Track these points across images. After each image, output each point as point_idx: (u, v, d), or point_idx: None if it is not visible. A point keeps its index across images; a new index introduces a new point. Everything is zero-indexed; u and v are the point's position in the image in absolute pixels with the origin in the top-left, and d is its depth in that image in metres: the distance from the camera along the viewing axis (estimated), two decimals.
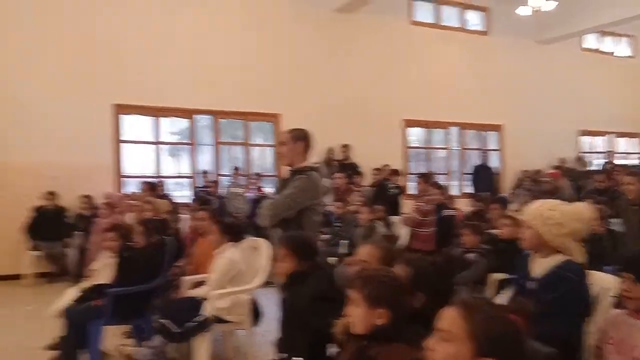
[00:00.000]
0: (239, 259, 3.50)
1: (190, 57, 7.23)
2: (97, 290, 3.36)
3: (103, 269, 3.68)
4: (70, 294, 3.45)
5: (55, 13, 6.50)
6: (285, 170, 3.06)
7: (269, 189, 7.94)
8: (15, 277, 5.92)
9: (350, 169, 7.30)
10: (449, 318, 1.18)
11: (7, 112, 6.19)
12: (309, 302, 2.01)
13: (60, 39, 6.50)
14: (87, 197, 6.34)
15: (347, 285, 1.61)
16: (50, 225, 6.08)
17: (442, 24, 9.53)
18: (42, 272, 6.09)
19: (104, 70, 6.69)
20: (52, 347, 3.39)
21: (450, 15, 9.68)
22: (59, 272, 6.08)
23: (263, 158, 8.41)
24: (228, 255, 3.44)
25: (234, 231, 3.70)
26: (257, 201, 7.44)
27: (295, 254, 2.18)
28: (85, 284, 3.63)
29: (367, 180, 7.65)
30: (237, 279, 3.44)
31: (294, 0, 7.98)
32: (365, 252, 2.09)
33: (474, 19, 9.95)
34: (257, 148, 8.27)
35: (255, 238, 3.75)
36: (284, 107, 7.86)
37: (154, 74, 6.95)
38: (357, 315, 1.53)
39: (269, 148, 8.23)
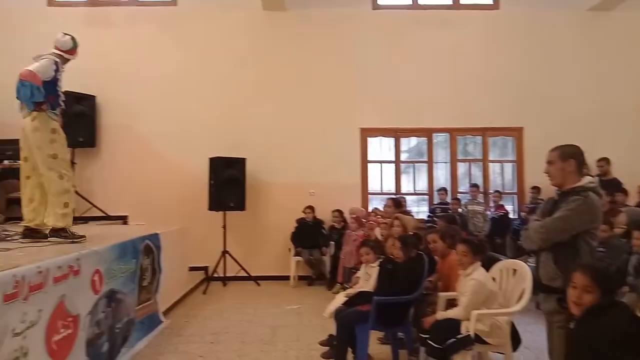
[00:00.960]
0: (489, 281, 3.43)
1: (429, 78, 7.47)
2: (362, 297, 3.73)
3: (365, 278, 4.07)
4: (339, 298, 3.92)
5: (317, 50, 7.53)
6: (550, 191, 2.89)
7: (509, 207, 7.57)
8: (284, 278, 7.01)
9: (611, 186, 6.38)
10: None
11: (278, 142, 7.41)
12: (607, 341, 1.85)
13: (318, 72, 7.50)
14: (338, 211, 7.08)
15: None
16: (309, 235, 7.01)
17: None
18: (304, 275, 7.06)
19: (352, 98, 7.44)
20: (325, 344, 3.90)
21: None
22: (316, 277, 6.97)
23: (502, 174, 8.03)
24: (477, 277, 3.38)
25: (484, 251, 3.64)
26: (497, 220, 7.20)
27: (599, 286, 2.02)
28: (351, 290, 4.06)
29: (633, 199, 6.58)
30: (489, 301, 3.37)
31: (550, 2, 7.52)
32: None
33: None
34: (496, 164, 7.95)
35: (514, 260, 3.62)
36: (526, 120, 7.46)
37: (394, 98, 7.42)
38: None
39: (508, 164, 7.83)
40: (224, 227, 6.99)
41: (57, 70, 3.71)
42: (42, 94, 3.55)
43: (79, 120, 6.85)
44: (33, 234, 3.78)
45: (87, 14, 7.46)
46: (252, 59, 7.46)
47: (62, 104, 3.82)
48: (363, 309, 3.58)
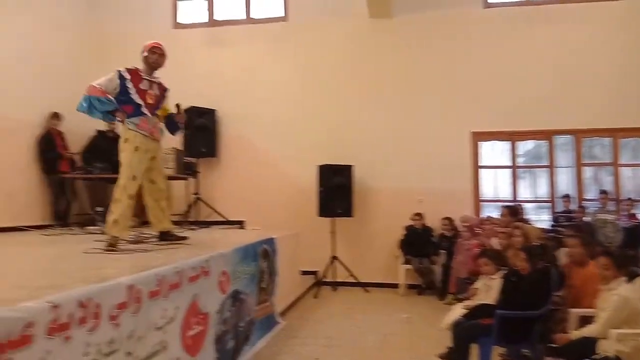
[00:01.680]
0: (635, 298, 3.09)
1: (549, 77, 6.95)
2: (483, 310, 3.56)
3: (485, 290, 3.88)
4: (457, 310, 3.77)
5: (425, 54, 7.41)
6: None
7: None
8: (393, 285, 6.94)
9: None
10: None
11: (386, 149, 7.38)
12: None
13: (426, 76, 7.35)
14: (448, 219, 6.84)
15: None
16: (419, 242, 6.86)
17: None
18: (413, 283, 6.92)
19: (463, 100, 7.18)
20: (443, 357, 3.78)
21: None
22: (426, 286, 6.79)
23: (635, 180, 7.20)
24: (621, 292, 3.08)
25: (628, 265, 3.29)
26: (630, 230, 6.44)
27: None
28: (470, 302, 3.88)
29: None
30: (632, 319, 3.04)
31: None
32: None
33: None
34: (627, 169, 7.15)
35: None
36: None
37: (509, 99, 7.02)
38: None
39: None
40: (333, 232, 7.11)
41: (123, 81, 3.79)
42: (104, 103, 3.66)
43: (202, 132, 7.44)
44: (164, 236, 4.20)
45: (207, 34, 8.10)
46: (360, 67, 7.54)
47: (145, 111, 3.85)
48: (485, 322, 3.41)
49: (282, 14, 7.89)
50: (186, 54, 7.98)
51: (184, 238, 4.29)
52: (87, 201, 7.17)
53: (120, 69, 3.84)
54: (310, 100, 7.64)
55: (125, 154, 3.77)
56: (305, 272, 7.01)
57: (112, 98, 3.74)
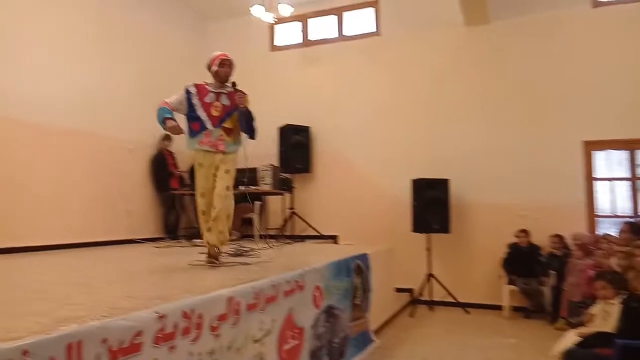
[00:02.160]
0: None
1: None
2: (601, 338, 3.20)
3: (602, 316, 3.49)
4: (570, 337, 3.43)
5: (525, 59, 6.98)
6: None
7: None
8: (496, 307, 6.52)
9: None
10: None
11: (484, 161, 7.02)
12: None
13: (527, 83, 6.90)
14: (558, 236, 6.29)
15: None
16: (524, 262, 6.37)
17: None
18: (518, 306, 6.44)
19: (572, 107, 6.62)
20: None
21: None
22: (534, 309, 6.27)
23: None
24: None
25: None
26: None
27: None
28: (585, 329, 3.52)
29: None
30: None
31: None
32: None
33: None
34: None
35: None
36: None
37: (625, 104, 6.33)
38: None
39: None
40: (428, 249, 6.88)
41: (189, 97, 3.86)
42: (160, 116, 3.80)
43: (297, 149, 7.67)
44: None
45: (301, 54, 8.37)
46: (454, 77, 7.29)
47: (209, 125, 3.83)
48: (602, 352, 3.06)
49: (374, 29, 7.92)
50: (282, 74, 8.33)
51: (213, 262, 3.88)
52: (193, 215, 7.69)
53: (188, 85, 3.91)
54: (403, 113, 7.53)
55: (195, 173, 3.95)
56: (399, 290, 6.85)
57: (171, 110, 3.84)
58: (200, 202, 3.91)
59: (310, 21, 8.44)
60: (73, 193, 6.16)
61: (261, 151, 7.82)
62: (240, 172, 7.08)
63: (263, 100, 8.67)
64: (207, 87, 3.91)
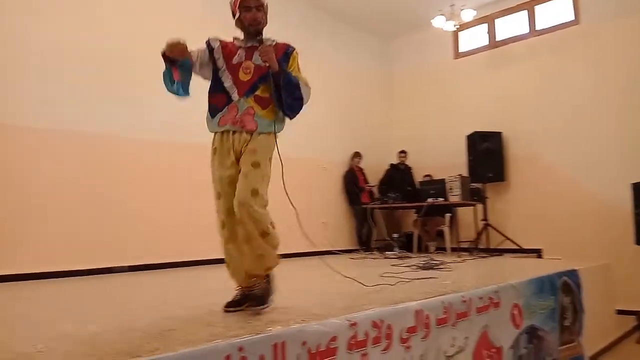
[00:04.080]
0: None
1: None
2: None
3: None
4: None
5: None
6: None
7: None
8: None
9: None
10: None
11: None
12: None
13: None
14: None
15: None
16: None
17: None
18: None
19: None
20: None
21: None
22: None
23: None
24: None
25: None
26: None
27: None
28: None
29: None
30: None
31: None
32: None
33: None
34: None
35: None
36: None
37: None
38: None
39: None
40: None
41: (211, 52, 2.58)
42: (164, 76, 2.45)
43: (487, 157, 7.24)
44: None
45: (488, 57, 7.95)
46: None
47: (235, 96, 2.50)
48: None
49: (572, 17, 7.07)
50: (467, 81, 8.06)
51: (257, 305, 2.36)
52: (384, 228, 7.90)
53: (210, 38, 2.61)
54: (613, 108, 6.50)
55: (211, 163, 2.58)
56: (621, 312, 5.85)
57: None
58: (217, 205, 2.52)
59: (497, 21, 7.98)
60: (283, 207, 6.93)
61: (448, 162, 7.70)
62: (430, 184, 7.07)
63: (449, 109, 8.57)
64: (235, 43, 2.61)
